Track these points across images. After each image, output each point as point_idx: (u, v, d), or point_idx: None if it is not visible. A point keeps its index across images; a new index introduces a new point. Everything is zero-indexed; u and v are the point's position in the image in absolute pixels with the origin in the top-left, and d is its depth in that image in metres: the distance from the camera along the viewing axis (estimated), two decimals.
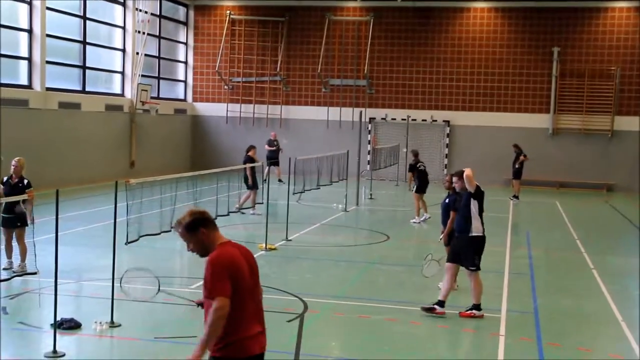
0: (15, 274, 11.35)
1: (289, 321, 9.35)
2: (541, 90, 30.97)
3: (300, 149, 27.32)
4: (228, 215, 15.10)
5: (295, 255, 14.22)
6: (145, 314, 9.60)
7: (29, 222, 11.37)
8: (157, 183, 14.98)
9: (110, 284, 9.15)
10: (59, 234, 8.28)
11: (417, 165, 19.40)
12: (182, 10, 33.59)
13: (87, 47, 26.39)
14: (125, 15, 28.59)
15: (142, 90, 28.19)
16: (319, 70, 32.03)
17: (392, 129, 31.97)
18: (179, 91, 33.82)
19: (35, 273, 11.03)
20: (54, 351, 7.93)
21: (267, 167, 25.54)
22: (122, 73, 28.65)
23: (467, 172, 10.08)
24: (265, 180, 21.19)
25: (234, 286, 4.69)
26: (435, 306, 9.88)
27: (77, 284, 11.27)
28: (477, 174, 10.78)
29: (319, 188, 21.54)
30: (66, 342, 8.35)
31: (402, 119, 31.40)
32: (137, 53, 28.51)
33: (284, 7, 32.76)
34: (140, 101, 28.12)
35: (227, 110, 33.36)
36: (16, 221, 11.46)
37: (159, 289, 5.84)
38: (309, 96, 32.94)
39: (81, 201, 20.38)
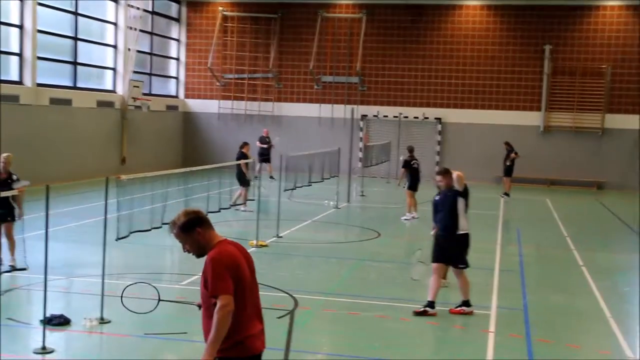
0: (4, 271, 11.31)
1: (279, 317, 9.36)
2: (532, 87, 31.05)
3: (292, 146, 27.31)
4: (219, 211, 15.09)
5: (286, 252, 14.23)
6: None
7: (16, 217, 11.36)
8: (148, 179, 14.99)
9: (100, 280, 9.13)
10: (49, 230, 8.27)
11: (412, 163, 19.39)
12: (174, 7, 33.51)
13: (79, 43, 26.29)
14: (117, 11, 28.49)
15: (134, 86, 28.12)
16: (311, 67, 32.02)
17: (383, 126, 32.00)
18: (170, 88, 33.75)
19: (24, 269, 11.02)
20: (43, 347, 7.90)
21: (259, 164, 25.57)
22: (114, 69, 28.56)
23: (459, 173, 10.12)
24: (256, 177, 21.18)
25: (235, 285, 4.63)
26: (427, 308, 9.88)
27: (67, 280, 11.24)
28: (469, 171, 10.84)
29: (310, 185, 21.56)
30: (55, 338, 8.34)
31: (394, 116, 31.45)
32: (129, 49, 28.42)
33: (277, 4, 32.72)
34: (132, 97, 28.04)
35: (219, 107, 33.32)
36: (6, 216, 11.45)
37: (158, 300, 5.83)
38: (301, 93, 32.93)
39: (72, 197, 20.33)
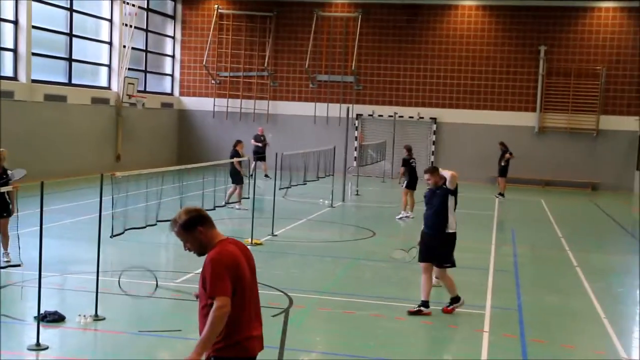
0: None
1: (274, 316, 9.35)
2: (527, 88, 31.10)
3: (287, 145, 27.29)
4: (214, 209, 15.08)
5: (281, 251, 14.22)
6: (130, 308, 9.57)
7: (12, 212, 11.35)
8: (142, 176, 14.96)
9: (95, 277, 9.11)
10: (43, 226, 8.24)
11: (410, 162, 19.42)
12: (169, 4, 33.44)
13: (74, 39, 26.22)
14: (112, 8, 28.42)
15: (129, 83, 28.06)
16: (306, 66, 32.01)
17: (379, 125, 32.01)
18: (165, 85, 33.68)
19: (19, 265, 10.98)
20: (37, 344, 7.88)
21: (254, 162, 25.54)
22: (109, 66, 28.49)
23: (453, 172, 10.12)
24: (251, 175, 21.18)
25: (235, 285, 4.58)
26: (422, 308, 9.88)
27: (62, 276, 11.21)
28: (463, 171, 10.85)
29: (305, 183, 21.56)
30: (50, 335, 8.31)
31: (389, 116, 31.46)
32: (124, 46, 28.37)
33: (273, 2, 32.71)
34: (127, 94, 27.97)
35: (214, 105, 33.27)
36: (1, 212, 11.42)
37: (156, 286, 5.81)
38: (296, 92, 32.91)
39: (66, 194, 20.28)
